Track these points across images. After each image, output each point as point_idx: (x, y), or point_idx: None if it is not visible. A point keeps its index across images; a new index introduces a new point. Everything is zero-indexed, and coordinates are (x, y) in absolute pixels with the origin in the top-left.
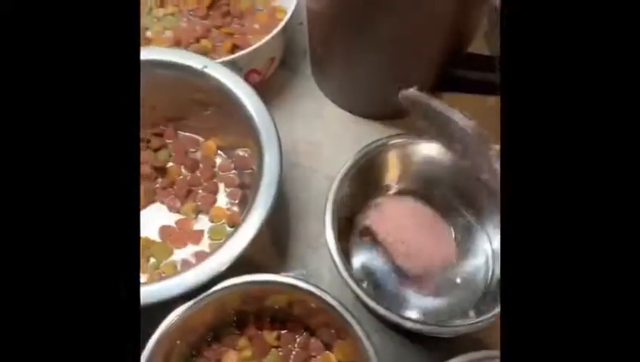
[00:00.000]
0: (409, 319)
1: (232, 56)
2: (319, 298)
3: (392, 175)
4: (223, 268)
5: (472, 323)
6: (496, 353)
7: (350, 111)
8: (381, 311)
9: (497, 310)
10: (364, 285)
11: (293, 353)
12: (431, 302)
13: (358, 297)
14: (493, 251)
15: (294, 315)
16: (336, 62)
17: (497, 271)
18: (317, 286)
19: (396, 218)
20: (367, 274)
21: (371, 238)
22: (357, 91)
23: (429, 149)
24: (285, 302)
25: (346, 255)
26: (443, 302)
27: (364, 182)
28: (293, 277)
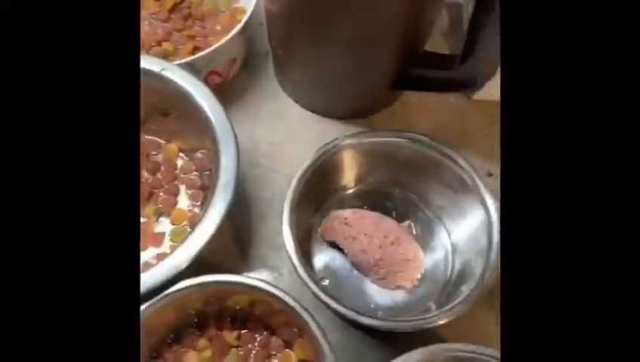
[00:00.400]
0: (367, 316)
1: (190, 58)
2: (278, 298)
3: (350, 174)
4: (183, 265)
5: (430, 317)
6: (456, 346)
7: (312, 111)
8: (340, 309)
9: (456, 302)
10: (326, 282)
11: (254, 352)
12: (392, 297)
13: (317, 296)
14: (452, 245)
15: (255, 315)
16: (295, 62)
17: (457, 265)
18: (276, 287)
19: (365, 238)
20: (330, 273)
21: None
22: (318, 90)
23: (388, 147)
24: (246, 302)
25: (307, 253)
26: (405, 297)
27: (322, 181)
28: (254, 278)
